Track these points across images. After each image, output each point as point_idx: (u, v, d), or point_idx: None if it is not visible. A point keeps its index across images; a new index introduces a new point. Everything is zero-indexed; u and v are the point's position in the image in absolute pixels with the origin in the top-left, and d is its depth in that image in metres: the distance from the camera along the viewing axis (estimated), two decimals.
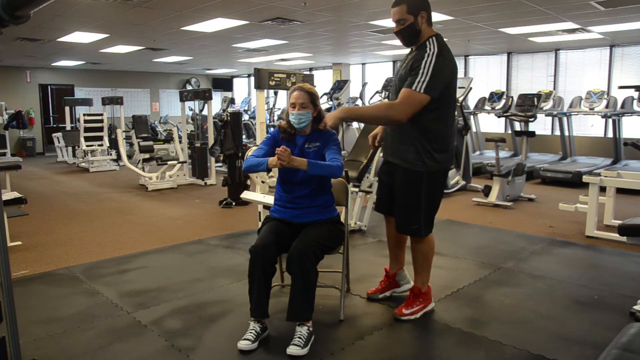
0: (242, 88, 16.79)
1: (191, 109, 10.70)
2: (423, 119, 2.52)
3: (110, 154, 10.00)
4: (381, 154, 3.03)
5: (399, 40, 2.66)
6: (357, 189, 4.54)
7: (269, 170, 2.54)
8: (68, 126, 11.38)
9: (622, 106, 7.65)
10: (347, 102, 9.37)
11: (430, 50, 2.49)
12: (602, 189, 4.55)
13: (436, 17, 6.17)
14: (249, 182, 6.03)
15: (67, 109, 11.54)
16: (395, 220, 2.76)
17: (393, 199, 2.77)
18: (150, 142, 7.93)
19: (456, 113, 4.79)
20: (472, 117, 9.03)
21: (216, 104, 13.84)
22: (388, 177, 2.81)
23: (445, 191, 6.25)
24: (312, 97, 2.59)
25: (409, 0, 2.53)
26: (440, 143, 2.60)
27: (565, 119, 8.38)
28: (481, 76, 10.57)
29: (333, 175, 2.57)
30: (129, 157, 8.81)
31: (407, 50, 2.75)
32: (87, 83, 13.85)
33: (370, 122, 2.59)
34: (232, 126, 6.26)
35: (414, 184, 2.63)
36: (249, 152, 2.70)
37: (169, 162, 7.67)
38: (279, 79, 4.37)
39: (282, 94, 11.37)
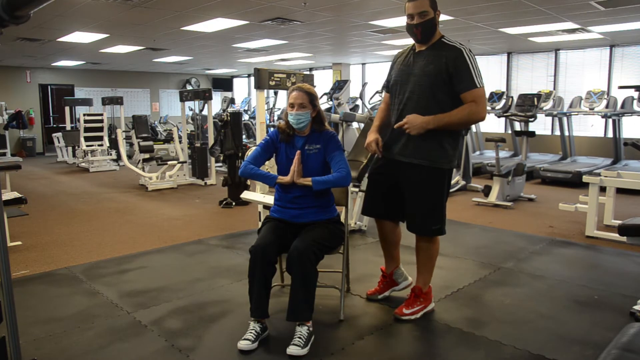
0: (242, 88, 16.79)
1: (191, 109, 10.69)
2: None
3: (110, 154, 10.00)
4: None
5: (414, 36, 2.60)
6: (357, 189, 4.54)
7: (274, 185, 2.57)
8: (68, 126, 11.37)
9: (622, 106, 7.65)
10: (347, 102, 9.35)
11: (459, 46, 2.53)
12: (602, 189, 4.55)
13: None
14: (249, 182, 6.03)
15: (67, 109, 11.53)
16: (411, 222, 2.72)
17: (390, 201, 2.76)
18: (150, 142, 7.92)
19: None
20: None
21: (216, 104, 13.82)
22: (388, 178, 2.76)
23: None
24: (311, 97, 2.60)
25: None
26: (460, 138, 2.70)
27: (565, 119, 8.38)
28: None
29: (340, 186, 2.59)
30: (129, 157, 8.81)
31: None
32: (87, 83, 13.85)
33: (457, 127, 2.59)
34: (232, 126, 6.26)
35: (438, 182, 2.64)
36: (249, 152, 2.70)
37: (169, 162, 7.67)
38: (279, 79, 4.37)
39: (282, 94, 11.35)
